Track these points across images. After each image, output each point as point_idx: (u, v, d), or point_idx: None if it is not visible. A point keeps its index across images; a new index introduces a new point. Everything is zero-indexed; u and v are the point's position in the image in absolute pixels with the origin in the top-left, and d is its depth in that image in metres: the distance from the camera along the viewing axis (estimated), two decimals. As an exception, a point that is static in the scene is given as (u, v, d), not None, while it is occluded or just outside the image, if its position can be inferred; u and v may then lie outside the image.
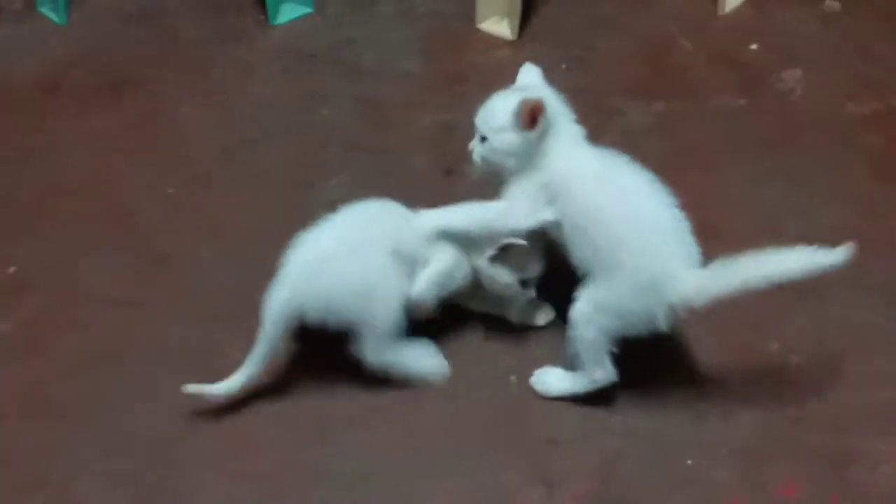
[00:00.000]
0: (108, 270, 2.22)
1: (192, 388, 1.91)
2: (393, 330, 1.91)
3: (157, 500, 1.84)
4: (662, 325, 1.85)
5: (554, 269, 1.99)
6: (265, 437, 1.92)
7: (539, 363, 1.99)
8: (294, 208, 2.32)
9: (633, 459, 1.87)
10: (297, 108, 2.62)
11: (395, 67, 2.74)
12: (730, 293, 1.80)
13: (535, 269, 1.99)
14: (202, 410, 1.93)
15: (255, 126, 2.58)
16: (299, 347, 2.01)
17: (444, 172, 2.39)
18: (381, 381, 1.95)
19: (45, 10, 2.93)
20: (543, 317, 2.07)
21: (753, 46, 2.76)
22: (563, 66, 2.64)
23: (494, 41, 2.79)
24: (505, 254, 1.94)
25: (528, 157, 1.91)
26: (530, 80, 2.00)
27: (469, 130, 1.99)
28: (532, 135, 1.89)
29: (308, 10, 2.91)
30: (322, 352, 1.97)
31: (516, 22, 2.77)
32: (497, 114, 1.92)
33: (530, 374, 1.97)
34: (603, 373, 1.90)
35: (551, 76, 2.01)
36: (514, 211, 1.91)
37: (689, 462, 1.86)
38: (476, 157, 1.97)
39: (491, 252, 1.94)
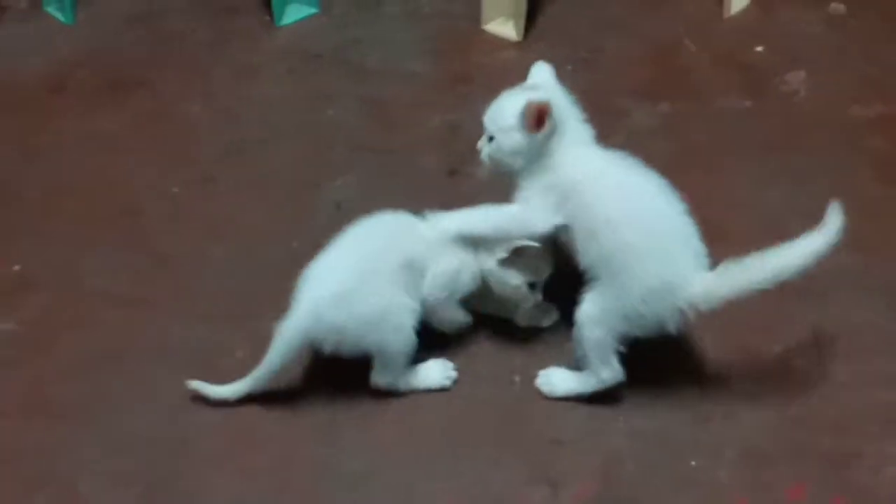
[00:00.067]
0: (112, 270, 2.22)
1: (194, 384, 1.92)
2: (407, 354, 1.92)
3: (159, 499, 1.84)
4: (671, 328, 1.85)
5: (558, 269, 1.99)
6: (267, 435, 1.92)
7: (543, 363, 1.99)
8: (299, 208, 2.33)
9: (637, 460, 1.86)
10: (302, 108, 2.63)
11: (400, 68, 2.74)
12: (737, 295, 1.80)
13: (544, 271, 1.98)
14: (204, 410, 1.94)
15: (261, 126, 2.58)
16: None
17: (450, 173, 2.39)
18: (384, 380, 1.96)
19: (52, 10, 2.93)
20: (548, 318, 2.07)
21: (759, 48, 2.76)
22: (569, 67, 2.64)
23: (500, 42, 2.80)
24: (516, 257, 1.93)
25: (536, 158, 1.91)
26: (541, 78, 1.99)
27: (475, 131, 1.99)
28: (539, 136, 1.89)
29: (313, 10, 2.92)
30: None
31: (522, 23, 2.77)
32: (505, 113, 1.91)
33: (534, 374, 1.97)
34: (611, 372, 1.90)
35: (557, 77, 2.01)
36: (531, 215, 1.90)
37: (693, 463, 1.86)
38: (484, 156, 1.97)
39: (502, 255, 1.94)
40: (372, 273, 1.88)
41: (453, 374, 1.98)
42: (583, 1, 2.94)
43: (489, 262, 1.95)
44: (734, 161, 2.43)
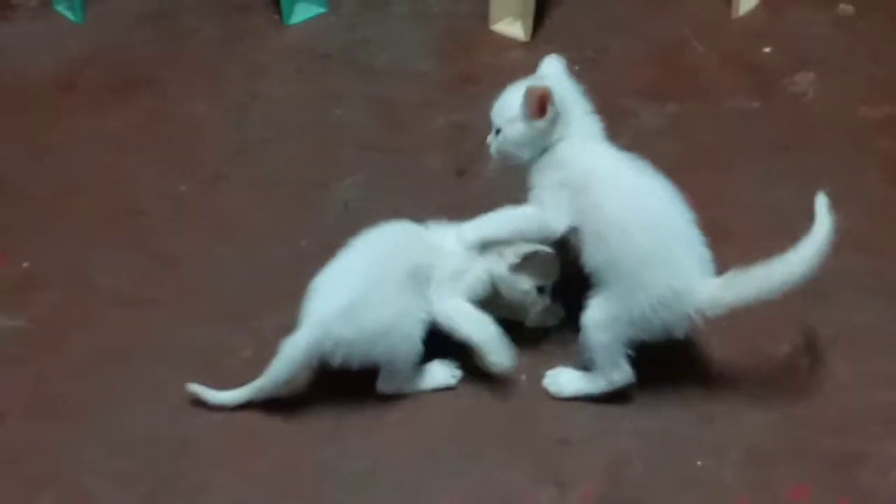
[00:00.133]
0: (119, 268, 2.22)
1: (194, 387, 1.92)
2: (414, 363, 1.92)
3: (162, 499, 1.84)
4: (678, 333, 1.85)
5: (564, 269, 1.98)
6: (270, 436, 1.92)
7: (550, 363, 1.99)
8: (307, 208, 2.33)
9: (643, 460, 1.86)
10: (310, 107, 2.63)
11: (408, 68, 2.74)
12: (744, 304, 1.81)
13: (554, 275, 1.98)
14: (207, 411, 1.93)
15: (269, 126, 2.58)
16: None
17: (457, 172, 2.40)
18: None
19: (61, 9, 2.94)
20: (554, 317, 2.06)
21: (767, 49, 2.76)
22: (576, 67, 2.62)
23: (508, 42, 2.80)
24: (527, 261, 1.93)
25: (542, 148, 1.90)
26: (551, 70, 1.99)
27: (482, 131, 1.99)
28: (541, 124, 1.88)
29: (322, 10, 2.92)
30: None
31: (530, 23, 2.77)
32: (509, 104, 1.91)
33: (541, 374, 1.97)
34: (621, 374, 1.90)
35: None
36: (546, 215, 1.89)
37: (699, 463, 1.86)
38: (492, 150, 1.96)
39: (514, 260, 1.93)
40: (379, 284, 1.87)
41: (458, 372, 1.98)
42: (591, 1, 2.94)
43: (500, 267, 1.95)
44: (742, 162, 2.43)
